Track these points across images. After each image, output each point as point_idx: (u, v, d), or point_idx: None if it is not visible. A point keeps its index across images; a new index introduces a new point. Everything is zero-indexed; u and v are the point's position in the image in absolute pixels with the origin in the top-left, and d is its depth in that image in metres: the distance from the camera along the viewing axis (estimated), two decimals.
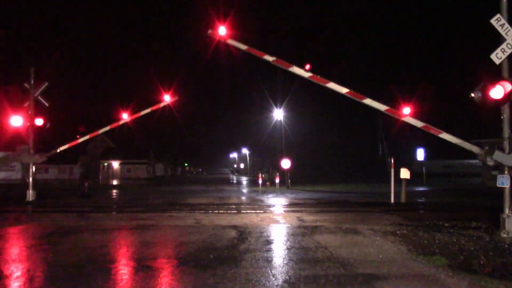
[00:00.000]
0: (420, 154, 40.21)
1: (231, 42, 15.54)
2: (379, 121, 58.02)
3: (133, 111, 22.59)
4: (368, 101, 13.82)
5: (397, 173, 19.09)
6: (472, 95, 10.44)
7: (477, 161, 12.20)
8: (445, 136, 12.17)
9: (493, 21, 9.93)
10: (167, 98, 21.12)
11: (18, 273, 6.78)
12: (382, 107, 13.93)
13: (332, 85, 14.12)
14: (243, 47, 15.49)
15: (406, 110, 14.09)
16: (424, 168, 39.71)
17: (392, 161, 20.09)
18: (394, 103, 13.80)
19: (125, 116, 21.92)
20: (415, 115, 13.14)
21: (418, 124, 12.97)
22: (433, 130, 12.62)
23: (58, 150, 21.82)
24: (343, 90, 14.02)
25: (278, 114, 37.39)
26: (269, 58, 14.93)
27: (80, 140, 23.38)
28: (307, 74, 14.63)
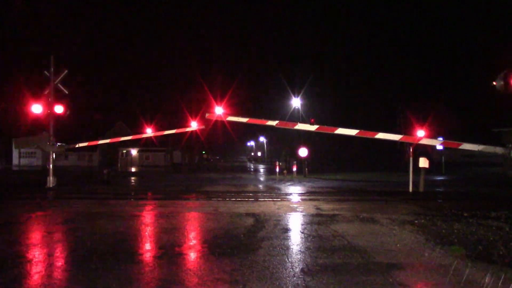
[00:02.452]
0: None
1: (230, 119, 15.87)
2: (398, 110, 57.43)
3: (157, 125, 23.11)
4: (380, 135, 13.90)
5: (416, 162, 18.91)
6: (494, 83, 10.26)
7: (496, 146, 12.03)
8: (465, 146, 12.11)
9: None
10: (194, 125, 20.92)
11: (40, 258, 6.94)
12: (396, 137, 14.06)
13: (340, 131, 14.27)
14: (243, 120, 15.73)
15: (420, 133, 14.17)
16: (443, 157, 39.20)
17: (411, 150, 19.90)
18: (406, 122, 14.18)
19: (149, 131, 22.44)
20: (430, 131, 13.21)
21: (436, 142, 13.00)
22: (452, 144, 12.55)
23: (77, 146, 22.28)
24: (353, 132, 14.13)
25: (296, 102, 37.22)
26: (272, 123, 15.24)
27: (100, 142, 23.99)
28: (313, 128, 14.83)
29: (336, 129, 14.33)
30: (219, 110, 15.80)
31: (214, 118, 15.94)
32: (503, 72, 10.00)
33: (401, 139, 13.88)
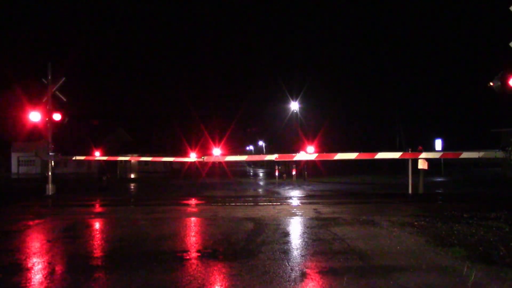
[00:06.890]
0: (438, 145, 39.70)
1: (228, 159, 16.89)
2: (397, 113, 57.55)
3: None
4: (380, 155, 14.26)
5: (415, 164, 18.91)
6: (491, 84, 10.28)
7: (496, 150, 12.10)
8: (465, 155, 12.29)
9: None
10: (192, 156, 21.07)
11: (39, 266, 6.91)
12: (396, 155, 14.37)
13: (340, 155, 14.67)
14: (242, 158, 17.42)
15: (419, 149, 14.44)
16: (441, 158, 39.20)
17: (410, 151, 19.88)
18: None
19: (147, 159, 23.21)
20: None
21: (436, 155, 13.30)
22: (452, 155, 12.74)
23: (74, 158, 22.29)
24: (353, 155, 14.51)
25: (294, 106, 37.30)
26: (271, 157, 15.98)
27: (96, 158, 24.13)
28: (313, 156, 15.12)
29: (335, 155, 14.59)
30: (216, 152, 16.31)
31: (212, 160, 16.42)
32: (499, 72, 10.03)
33: (400, 156, 14.13)
